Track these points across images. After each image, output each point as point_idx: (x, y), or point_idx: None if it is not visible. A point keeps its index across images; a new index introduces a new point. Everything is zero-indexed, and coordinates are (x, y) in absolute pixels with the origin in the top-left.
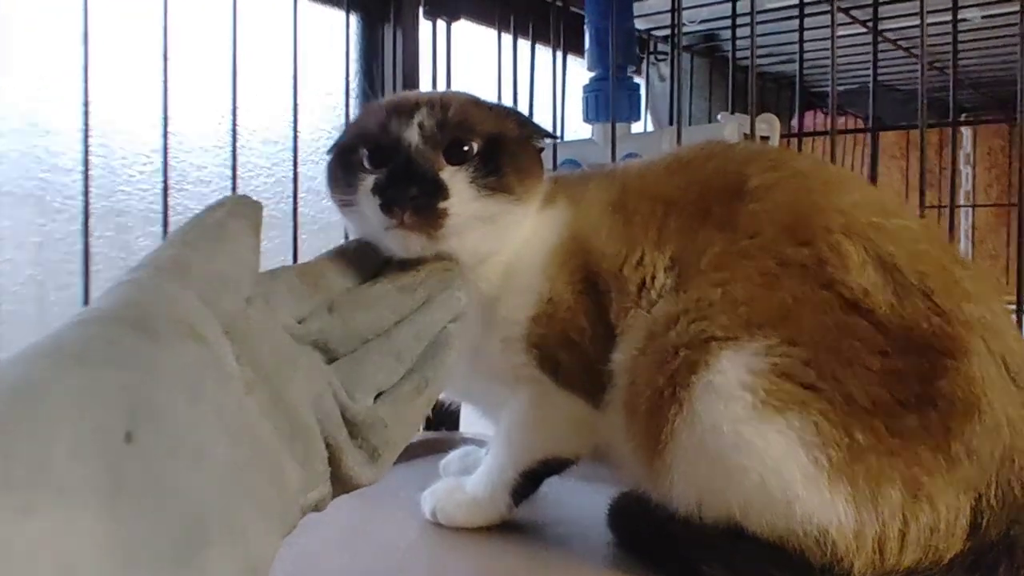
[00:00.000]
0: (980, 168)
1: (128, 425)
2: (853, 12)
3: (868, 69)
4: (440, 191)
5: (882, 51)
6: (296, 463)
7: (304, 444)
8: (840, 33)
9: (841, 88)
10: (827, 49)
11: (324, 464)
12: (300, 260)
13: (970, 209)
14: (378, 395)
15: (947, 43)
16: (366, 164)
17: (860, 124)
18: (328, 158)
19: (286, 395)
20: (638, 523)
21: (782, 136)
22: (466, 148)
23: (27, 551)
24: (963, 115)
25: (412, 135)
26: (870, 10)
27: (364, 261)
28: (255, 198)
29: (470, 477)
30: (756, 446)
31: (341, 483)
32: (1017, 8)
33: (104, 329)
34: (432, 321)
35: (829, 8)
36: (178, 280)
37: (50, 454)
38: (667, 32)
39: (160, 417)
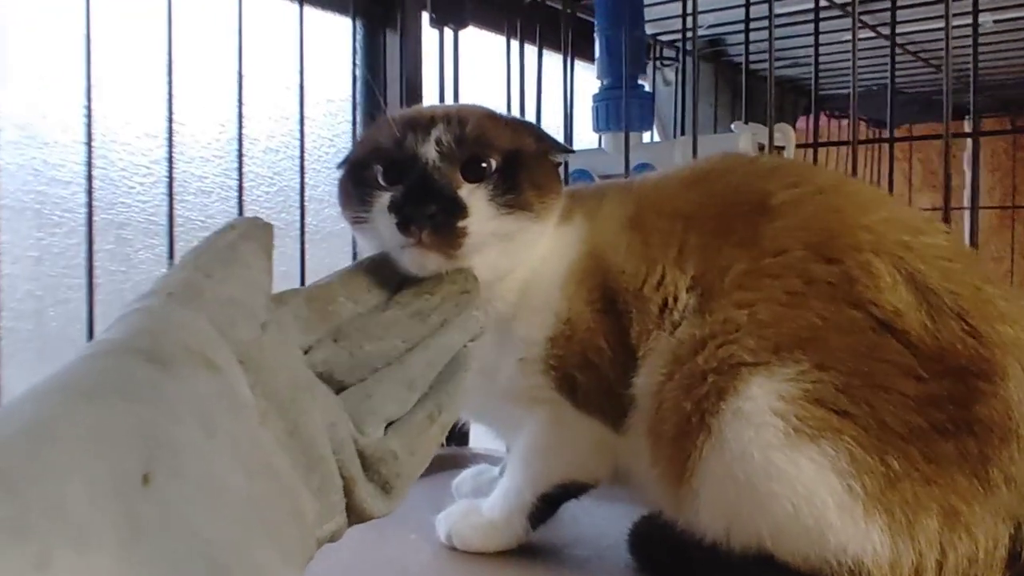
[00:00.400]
0: (984, 171)
1: (145, 465)
2: (863, 17)
3: (874, 73)
4: (459, 209)
5: (887, 53)
6: (312, 495)
7: (320, 475)
8: (848, 38)
9: (842, 92)
10: (834, 53)
11: (340, 495)
12: (306, 270)
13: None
14: (390, 423)
15: (960, 46)
16: (381, 181)
17: (864, 127)
18: (338, 174)
19: (302, 425)
20: (660, 548)
21: (797, 146)
22: (484, 165)
23: None
24: (965, 117)
25: (429, 151)
26: (881, 15)
27: (381, 279)
28: (259, 209)
29: (486, 500)
30: (788, 474)
31: (355, 514)
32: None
33: (115, 361)
34: (447, 345)
35: (840, 13)
36: (190, 306)
37: (65, 499)
38: (673, 37)
39: (176, 454)
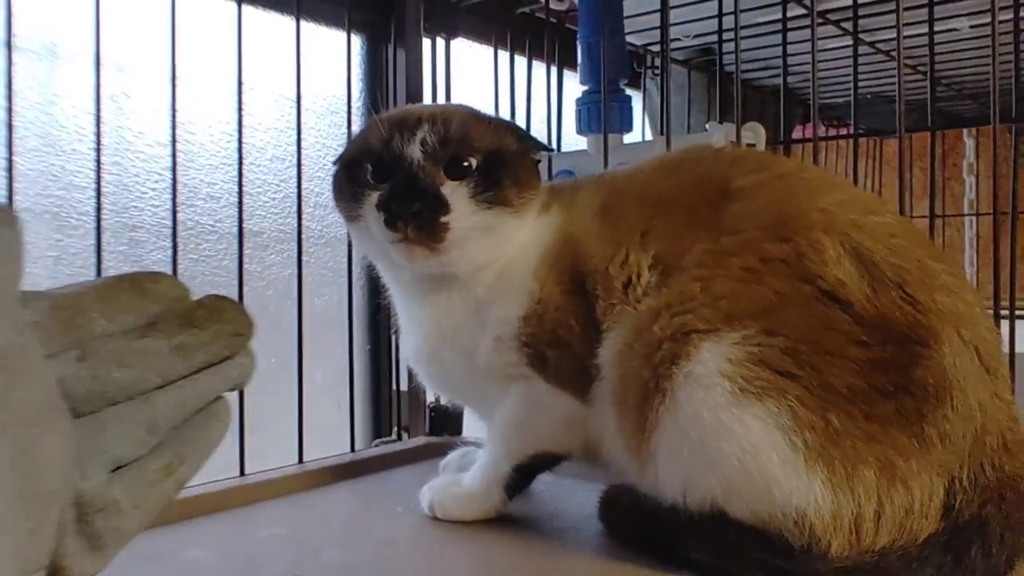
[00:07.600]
0: (983, 177)
1: None
2: (842, 25)
3: (866, 82)
4: (441, 206)
5: (880, 63)
6: (25, 532)
7: (39, 512)
8: (832, 45)
9: (839, 100)
10: (822, 61)
11: (52, 541)
12: (303, 273)
13: (974, 218)
14: (118, 467)
15: (939, 52)
16: (370, 179)
17: (864, 141)
18: (333, 170)
19: (35, 450)
20: (627, 513)
21: (768, 144)
22: (466, 164)
23: None
24: (965, 129)
25: (414, 152)
26: (864, 22)
27: (145, 298)
28: (264, 214)
29: (466, 473)
30: (735, 431)
31: (51, 568)
32: (1006, 17)
33: None
34: (205, 390)
35: (823, 21)
36: None
37: None
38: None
39: None
